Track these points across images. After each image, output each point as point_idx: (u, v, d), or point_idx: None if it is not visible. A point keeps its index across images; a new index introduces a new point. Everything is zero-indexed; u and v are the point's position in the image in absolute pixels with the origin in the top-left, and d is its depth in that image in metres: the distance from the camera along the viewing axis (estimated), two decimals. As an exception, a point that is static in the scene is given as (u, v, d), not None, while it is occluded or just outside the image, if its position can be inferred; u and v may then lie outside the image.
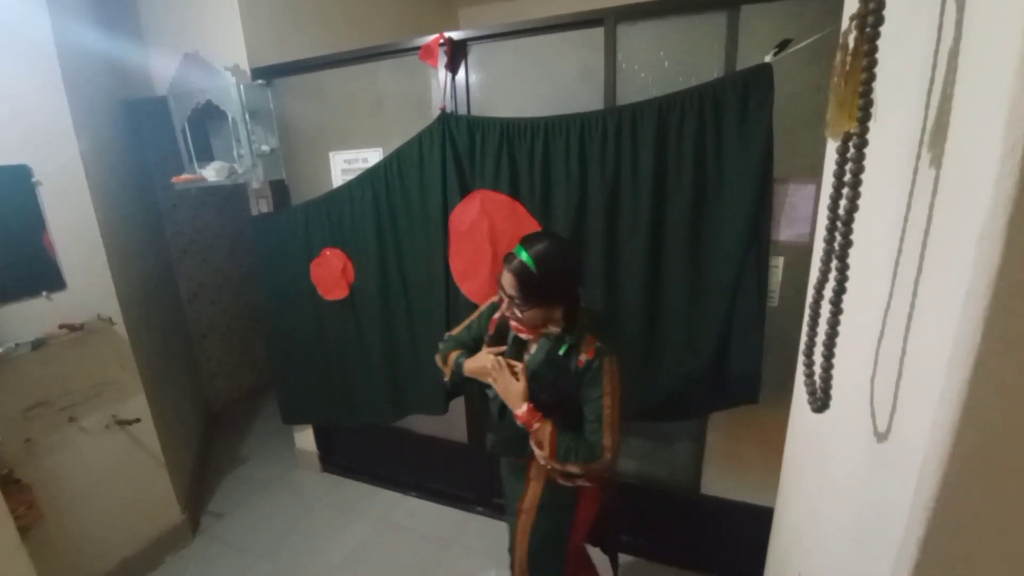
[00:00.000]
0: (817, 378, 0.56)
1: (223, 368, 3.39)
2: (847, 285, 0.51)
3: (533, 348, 1.24)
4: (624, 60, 1.58)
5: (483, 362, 1.27)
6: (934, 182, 0.46)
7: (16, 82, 1.60)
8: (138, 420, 1.96)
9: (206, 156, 2.04)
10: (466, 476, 2.32)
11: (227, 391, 3.44)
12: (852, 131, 0.48)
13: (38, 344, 1.65)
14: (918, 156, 0.49)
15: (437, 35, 1.70)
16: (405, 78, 1.86)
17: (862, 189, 0.49)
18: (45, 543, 1.70)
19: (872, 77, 0.45)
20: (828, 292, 0.52)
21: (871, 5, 0.44)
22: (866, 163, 0.50)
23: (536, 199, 1.68)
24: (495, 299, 1.36)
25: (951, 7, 0.44)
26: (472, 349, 1.40)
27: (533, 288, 1.14)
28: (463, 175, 1.77)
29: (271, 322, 2.30)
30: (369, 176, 1.92)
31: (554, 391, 1.19)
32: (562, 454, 1.14)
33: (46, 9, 1.64)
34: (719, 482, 1.84)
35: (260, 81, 1.97)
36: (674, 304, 1.60)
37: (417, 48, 1.75)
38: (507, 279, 1.16)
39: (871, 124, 0.47)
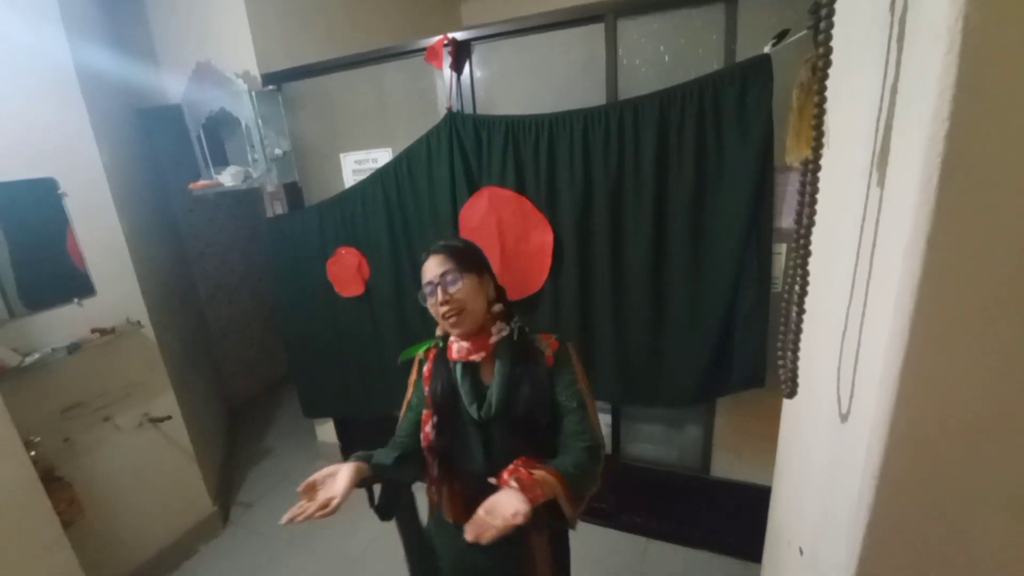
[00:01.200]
0: (787, 368, 0.66)
1: (243, 365, 3.56)
2: (810, 289, 0.60)
3: (490, 374, 1.07)
4: (625, 55, 1.65)
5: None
6: (879, 202, 0.55)
7: (39, 100, 1.73)
8: (169, 417, 2.11)
9: (221, 161, 2.15)
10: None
11: (248, 387, 3.61)
12: (808, 157, 0.56)
13: (73, 349, 1.80)
14: (869, 178, 0.58)
15: (441, 36, 1.78)
16: (411, 79, 1.94)
17: (820, 207, 0.58)
18: (87, 536, 1.85)
19: (823, 112, 0.53)
20: (794, 296, 0.62)
21: (821, 50, 0.52)
22: (830, 183, 0.59)
23: (542, 194, 1.76)
24: (416, 360, 1.19)
25: (893, 54, 0.52)
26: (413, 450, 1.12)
27: (460, 253, 1.05)
28: (471, 172, 1.86)
29: (289, 319, 2.43)
30: (380, 176, 2.02)
31: (528, 399, 1.04)
32: (582, 490, 0.96)
33: (63, 30, 1.76)
34: (728, 464, 1.94)
35: (270, 87, 2.07)
36: (679, 293, 1.69)
37: (422, 49, 1.84)
38: (432, 262, 1.05)
39: (825, 151, 0.56)
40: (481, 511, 0.84)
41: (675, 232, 1.65)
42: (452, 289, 1.02)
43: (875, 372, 0.54)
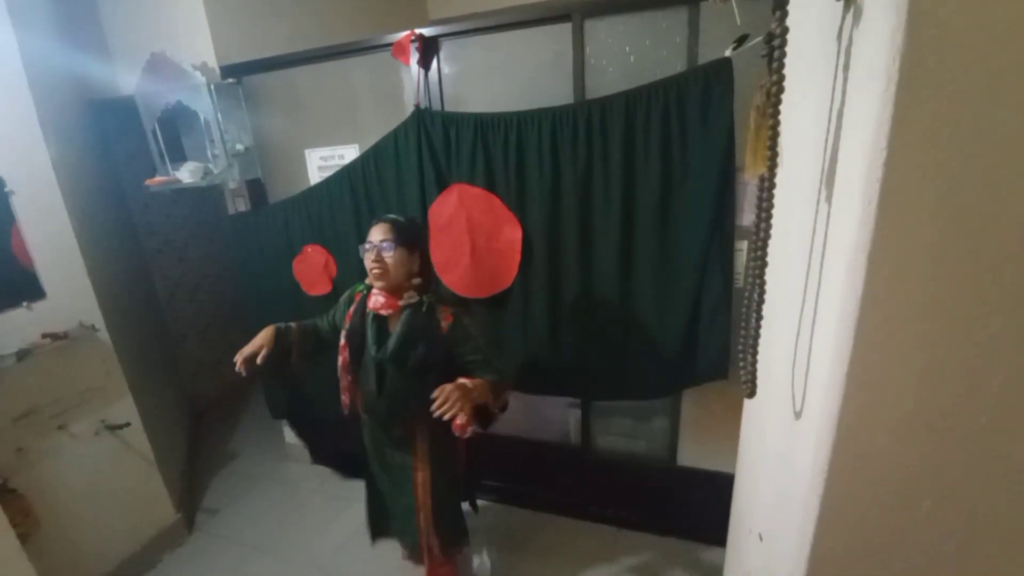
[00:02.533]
0: (747, 370, 0.70)
1: (205, 366, 3.46)
2: (767, 296, 0.65)
3: (394, 325, 1.44)
4: (592, 55, 1.68)
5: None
6: (827, 217, 0.60)
7: (-20, 91, 1.63)
8: (128, 424, 2.05)
9: (178, 156, 2.08)
10: (472, 479, 2.47)
11: (211, 389, 3.52)
12: (764, 175, 0.60)
13: (22, 355, 1.72)
14: (819, 195, 0.62)
15: (408, 32, 1.77)
16: (378, 74, 1.92)
17: (776, 219, 0.62)
18: (44, 549, 1.79)
19: (777, 134, 0.57)
20: (753, 303, 0.66)
21: (775, 77, 0.56)
22: (782, 199, 0.63)
23: (512, 192, 1.78)
24: (350, 293, 1.57)
25: (839, 82, 0.57)
26: (325, 335, 1.62)
27: (400, 228, 1.39)
28: (439, 170, 1.86)
29: (254, 318, 2.37)
30: (347, 173, 2.00)
31: (422, 357, 1.41)
32: (504, 380, 1.43)
33: (7, 17, 1.66)
34: (693, 453, 2.02)
35: (230, 80, 2.01)
36: (646, 288, 1.75)
37: (389, 45, 1.82)
38: (378, 228, 1.39)
39: (780, 170, 0.60)
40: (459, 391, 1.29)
41: (641, 229, 1.70)
42: (384, 254, 1.37)
43: (824, 374, 0.59)
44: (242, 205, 2.25)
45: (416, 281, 1.44)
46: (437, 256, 1.95)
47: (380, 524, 1.80)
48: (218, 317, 3.53)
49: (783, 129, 0.58)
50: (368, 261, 1.39)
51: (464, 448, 1.67)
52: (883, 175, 0.47)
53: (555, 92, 1.73)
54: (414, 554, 1.78)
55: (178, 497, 2.36)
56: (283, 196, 2.17)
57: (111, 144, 2.56)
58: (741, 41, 1.45)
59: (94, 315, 1.93)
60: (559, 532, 2.22)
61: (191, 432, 3.08)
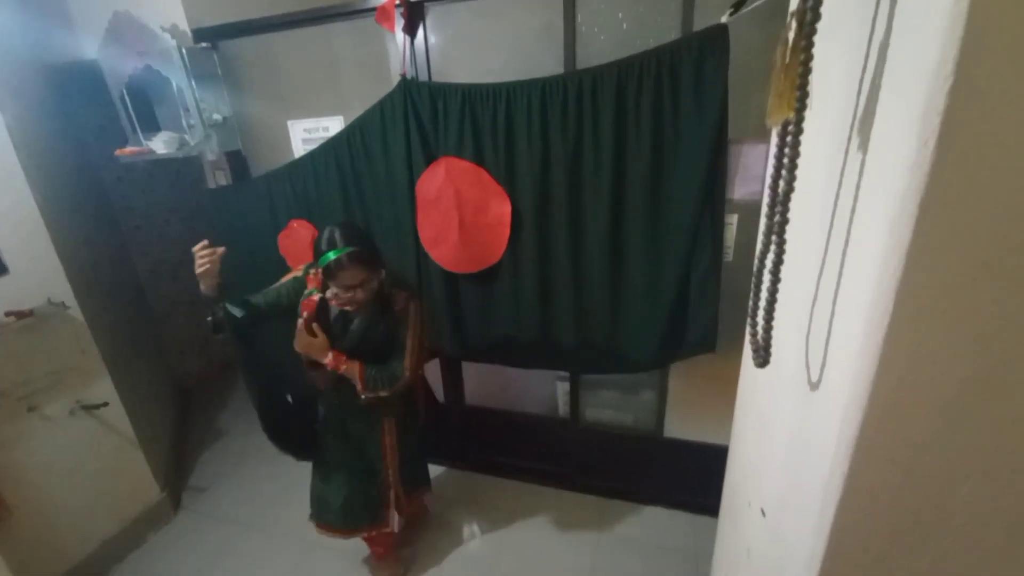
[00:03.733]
0: (759, 338, 0.63)
1: (191, 345, 3.31)
2: (784, 257, 0.57)
3: (357, 316, 1.44)
4: (583, 22, 1.57)
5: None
6: (860, 166, 0.52)
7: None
8: (106, 404, 1.92)
9: (151, 127, 1.91)
10: (443, 432, 2.41)
11: (198, 367, 3.38)
12: (790, 119, 0.52)
13: (-14, 333, 1.59)
14: (848, 142, 0.54)
15: (392, -5, 1.63)
16: (362, 42, 1.78)
17: (799, 172, 0.54)
18: (16, 536, 1.68)
19: (808, 70, 0.49)
20: (768, 263, 0.58)
21: (809, 3, 0.47)
22: (804, 148, 0.55)
23: (500, 165, 1.68)
24: (298, 273, 1.51)
25: (884, 6, 0.48)
26: (263, 312, 1.47)
27: (370, 260, 1.34)
28: (427, 143, 1.75)
29: (239, 295, 2.25)
30: (332, 145, 1.87)
31: (379, 343, 1.46)
32: (371, 384, 1.43)
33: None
34: (680, 425, 1.99)
35: (204, 44, 1.84)
36: (636, 262, 1.67)
37: (372, 9, 1.68)
38: (348, 275, 1.31)
39: (807, 113, 0.51)
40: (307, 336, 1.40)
41: (632, 202, 1.62)
42: (370, 286, 1.36)
43: (853, 341, 0.52)
44: (223, 179, 2.10)
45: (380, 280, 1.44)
46: (425, 231, 1.85)
47: (324, 508, 1.72)
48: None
49: (813, 67, 0.50)
50: (342, 301, 1.37)
51: (424, 403, 1.78)
52: (946, 107, 0.39)
53: (545, 62, 1.62)
54: (361, 527, 1.74)
55: (163, 476, 2.25)
56: (266, 170, 2.02)
57: (76, 113, 2.35)
58: (739, 6, 1.36)
59: (64, 292, 1.78)
60: (548, 503, 2.18)
61: (177, 411, 2.96)
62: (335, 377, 1.48)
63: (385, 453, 1.66)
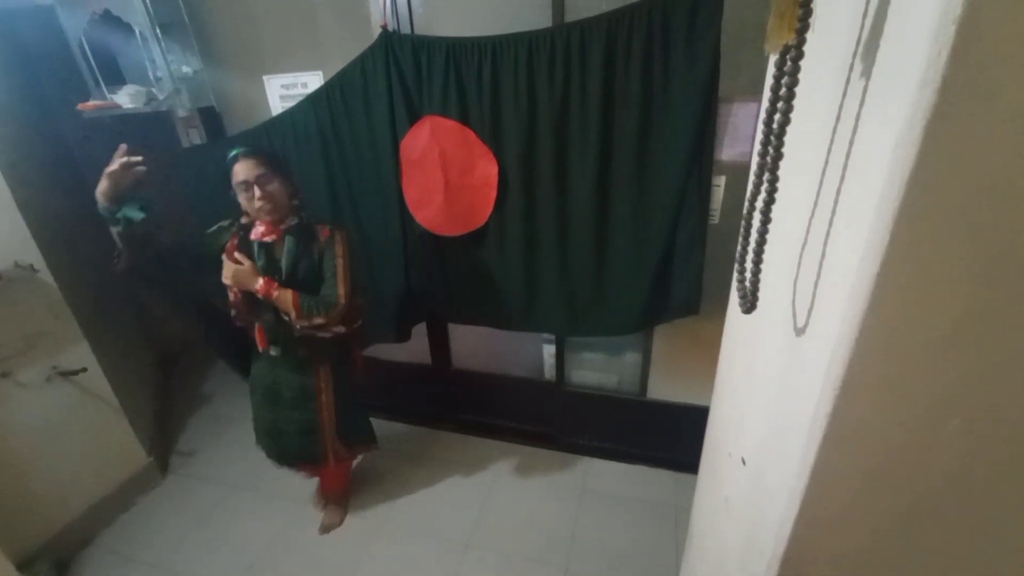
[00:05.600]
0: (747, 282, 0.61)
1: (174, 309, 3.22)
2: (776, 196, 0.54)
3: (281, 252, 1.45)
4: (573, -30, 1.48)
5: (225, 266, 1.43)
6: (862, 93, 0.48)
7: None
8: (84, 369, 1.86)
9: (116, 79, 1.79)
10: (431, 395, 2.41)
11: (183, 332, 3.30)
12: (790, 43, 0.48)
13: (-48, 297, 1.51)
14: (851, 68, 0.50)
15: (369, -64, 1.51)
16: (338, -11, 1.67)
17: (796, 103, 0.50)
18: (-3, 503, 1.64)
19: (813, -15, 0.45)
20: (759, 203, 0.55)
21: (817, -95, 0.42)
22: (802, 77, 0.51)
23: (486, 124, 1.62)
24: (223, 223, 1.51)
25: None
26: (175, 260, 1.47)
27: (267, 157, 1.38)
28: (410, 101, 1.67)
29: (217, 260, 2.18)
30: (311, 102, 1.78)
31: (307, 276, 1.45)
32: (305, 310, 1.41)
33: None
34: (663, 387, 2.01)
35: (168, -12, 1.71)
36: (623, 223, 1.64)
37: (348, -48, 1.56)
38: (244, 166, 1.34)
39: (809, 35, 0.47)
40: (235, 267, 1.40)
41: (620, 162, 1.57)
42: (268, 188, 1.36)
43: (843, 282, 0.50)
44: (196, 137, 2.00)
45: (295, 203, 1.46)
46: (410, 192, 1.79)
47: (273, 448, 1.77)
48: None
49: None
50: (249, 201, 1.37)
51: (360, 358, 1.77)
52: (962, 14, 0.35)
53: (532, 13, 1.54)
54: (310, 465, 1.80)
55: (149, 441, 2.22)
56: (242, 128, 1.92)
57: (34, 64, 2.17)
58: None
59: (32, 255, 1.70)
60: (533, 462, 2.21)
61: (161, 376, 2.90)
62: (272, 319, 1.46)
63: (321, 407, 1.64)
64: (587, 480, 2.10)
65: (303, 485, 2.13)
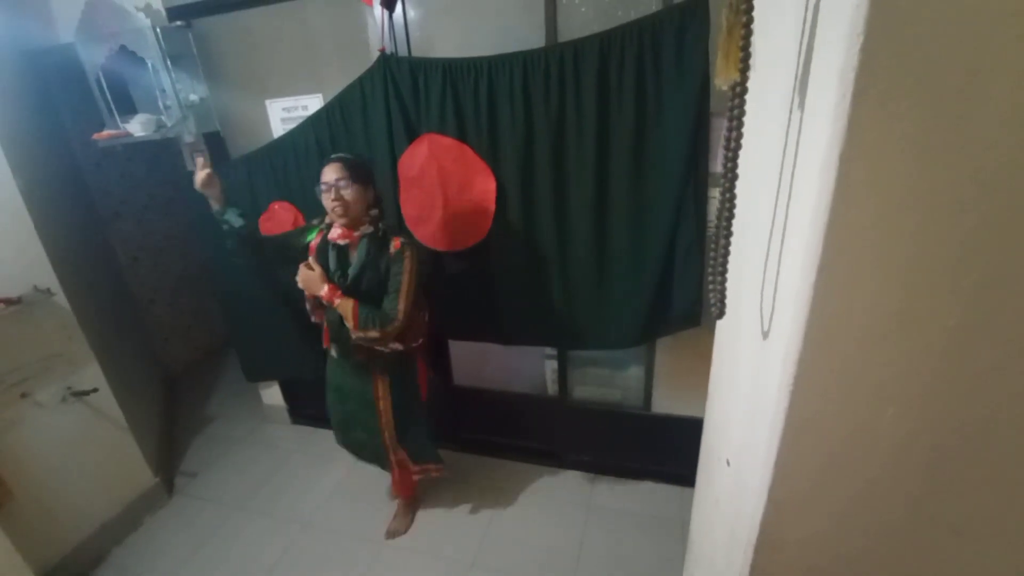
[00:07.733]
0: (715, 290, 0.69)
1: (176, 331, 3.36)
2: (736, 212, 0.63)
3: (354, 255, 1.57)
4: (564, -6, 1.59)
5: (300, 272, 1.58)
6: (799, 122, 0.57)
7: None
8: (95, 390, 1.97)
9: (128, 109, 1.93)
10: (434, 412, 2.47)
11: (184, 353, 3.43)
12: (736, 80, 0.57)
13: (-25, 321, 1.62)
14: (791, 100, 0.59)
15: (369, -32, 1.64)
16: (339, 17, 1.80)
17: (746, 130, 0.59)
18: (19, 518, 1.74)
19: (750, 32, 0.54)
20: (723, 221, 0.64)
21: (748, -32, 0.52)
22: (757, 107, 0.60)
23: (483, 140, 1.72)
24: (314, 221, 1.66)
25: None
26: (270, 253, 1.69)
27: (353, 165, 1.50)
28: (408, 119, 1.78)
29: (224, 281, 2.29)
30: (311, 124, 1.90)
31: (376, 281, 1.56)
32: (362, 322, 1.51)
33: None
34: (667, 400, 2.06)
35: (178, 22, 1.86)
36: (621, 236, 1.72)
37: (349, -17, 1.69)
38: (329, 169, 1.49)
39: (751, 74, 0.56)
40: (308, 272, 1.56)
41: (616, 176, 1.66)
42: (343, 192, 1.48)
43: (792, 286, 0.58)
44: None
45: (373, 212, 1.57)
46: (409, 210, 1.89)
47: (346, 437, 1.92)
48: (187, 282, 3.41)
49: (756, 30, 0.55)
50: (328, 201, 1.50)
51: (424, 376, 1.86)
52: (859, 63, 0.44)
53: (526, 35, 1.65)
54: (376, 464, 1.96)
55: (155, 461, 2.31)
56: (245, 150, 2.05)
57: (54, 98, 2.36)
58: (716, -24, 1.40)
59: (49, 279, 1.82)
60: (537, 481, 2.26)
61: (165, 397, 3.01)
62: (336, 321, 1.59)
63: (379, 413, 1.75)
64: (592, 496, 2.15)
65: (305, 507, 2.21)
